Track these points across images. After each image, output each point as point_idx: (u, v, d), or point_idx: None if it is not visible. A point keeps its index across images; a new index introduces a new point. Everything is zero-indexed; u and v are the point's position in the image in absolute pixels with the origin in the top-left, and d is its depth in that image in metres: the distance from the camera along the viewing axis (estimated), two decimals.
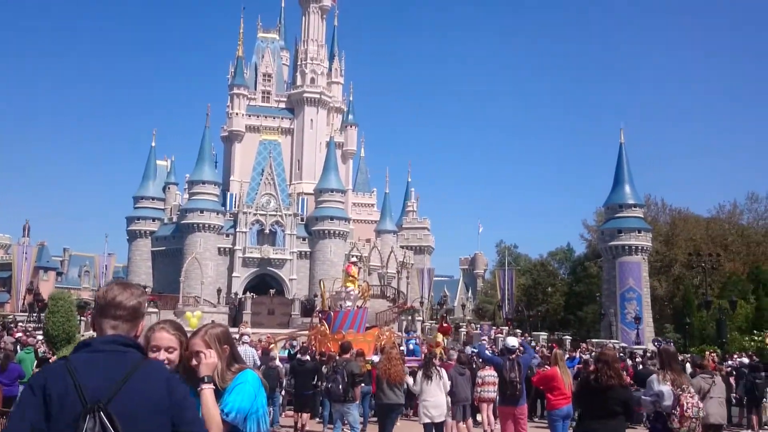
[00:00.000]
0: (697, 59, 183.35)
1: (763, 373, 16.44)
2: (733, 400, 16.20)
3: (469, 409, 12.86)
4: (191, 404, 2.67)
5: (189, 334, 3.26)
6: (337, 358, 12.26)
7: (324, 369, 13.79)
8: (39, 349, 17.99)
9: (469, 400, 12.66)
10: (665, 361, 6.55)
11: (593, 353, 25.45)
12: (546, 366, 12.06)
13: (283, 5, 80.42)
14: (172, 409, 2.50)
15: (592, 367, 17.10)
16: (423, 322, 49.63)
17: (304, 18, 73.94)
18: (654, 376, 6.50)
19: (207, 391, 3.05)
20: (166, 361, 3.01)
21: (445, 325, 24.72)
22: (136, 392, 2.45)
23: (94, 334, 2.79)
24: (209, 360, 3.13)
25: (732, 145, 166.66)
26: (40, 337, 22.17)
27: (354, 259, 25.14)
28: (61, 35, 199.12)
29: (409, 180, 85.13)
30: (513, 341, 11.57)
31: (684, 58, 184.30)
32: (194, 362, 3.13)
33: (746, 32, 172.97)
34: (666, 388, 6.18)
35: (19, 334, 22.04)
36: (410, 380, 11.37)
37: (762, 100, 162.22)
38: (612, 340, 42.45)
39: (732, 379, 17.16)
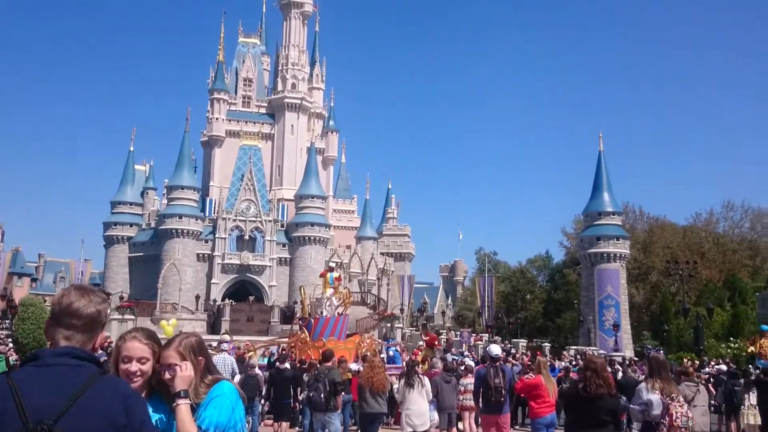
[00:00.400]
0: (676, 67, 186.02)
1: (741, 380, 16.52)
2: (712, 408, 16.25)
3: (455, 417, 12.73)
4: (151, 427, 2.44)
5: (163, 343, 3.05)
6: (319, 366, 12.09)
7: (305, 377, 13.60)
8: (10, 357, 17.56)
9: (455, 408, 12.54)
10: (654, 370, 6.47)
11: (571, 361, 25.49)
12: (530, 374, 11.99)
13: (264, 10, 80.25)
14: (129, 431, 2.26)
15: (572, 374, 17.08)
16: (403, 329, 49.54)
17: (285, 23, 73.77)
18: (643, 384, 6.42)
19: (183, 406, 2.84)
20: (138, 372, 2.82)
21: (426, 338, 23.59)
22: (88, 411, 2.20)
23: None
24: (185, 373, 2.92)
25: (709, 154, 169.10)
26: (12, 345, 21.70)
27: (332, 265, 24.74)
28: (41, 36, 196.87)
29: (390, 187, 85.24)
30: (496, 349, 11.51)
31: (663, 66, 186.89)
32: (168, 375, 2.91)
33: (727, 41, 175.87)
34: (655, 397, 6.12)
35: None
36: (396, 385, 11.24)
37: (739, 110, 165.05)
38: (590, 347, 42.65)
39: (710, 386, 17.23)
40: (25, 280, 77.93)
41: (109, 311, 2.50)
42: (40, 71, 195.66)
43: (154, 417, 2.82)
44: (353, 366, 15.68)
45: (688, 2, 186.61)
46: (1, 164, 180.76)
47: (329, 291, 21.43)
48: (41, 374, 2.25)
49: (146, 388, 2.90)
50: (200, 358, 3.03)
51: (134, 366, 2.82)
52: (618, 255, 54.51)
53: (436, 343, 20.24)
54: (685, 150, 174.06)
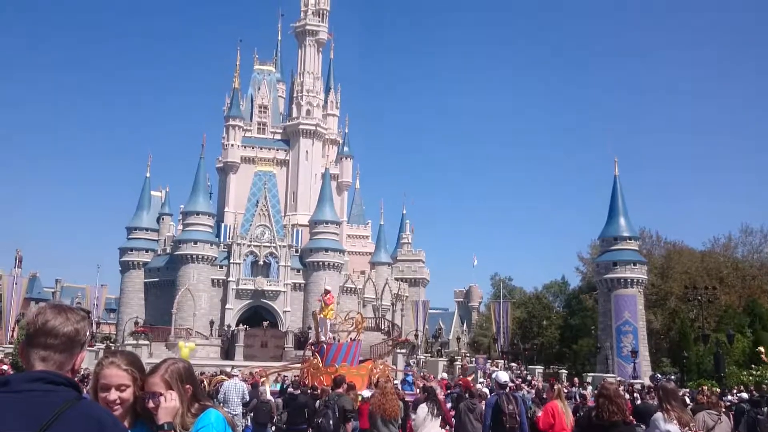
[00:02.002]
0: (693, 91, 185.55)
1: (765, 409, 16.05)
2: None
3: None
4: None
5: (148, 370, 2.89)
6: (330, 392, 11.93)
7: (317, 404, 13.43)
8: None
9: None
10: (664, 399, 6.22)
11: (587, 387, 25.03)
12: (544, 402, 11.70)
13: (279, 38, 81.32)
14: None
15: (590, 402, 16.70)
16: (418, 355, 49.14)
17: (300, 51, 74.65)
18: (659, 414, 6.20)
19: None
20: (117, 401, 2.66)
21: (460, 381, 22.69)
22: None
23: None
24: (169, 404, 2.75)
25: (726, 178, 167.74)
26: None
27: (328, 288, 24.46)
28: (57, 62, 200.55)
29: (404, 212, 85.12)
30: (504, 376, 11.26)
31: (680, 90, 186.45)
32: (152, 404, 2.75)
33: (745, 64, 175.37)
34: (674, 428, 5.91)
35: (5, 367, 21.63)
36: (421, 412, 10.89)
37: (757, 133, 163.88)
38: (608, 374, 41.97)
39: (731, 415, 16.75)
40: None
41: (88, 331, 2.37)
42: (58, 97, 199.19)
43: None
44: (366, 393, 15.44)
45: (704, 22, 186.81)
46: (20, 190, 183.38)
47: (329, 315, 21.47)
48: (11, 402, 2.07)
49: (129, 415, 2.74)
50: (187, 386, 2.87)
51: (113, 395, 2.66)
52: (635, 280, 53.80)
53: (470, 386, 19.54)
54: (702, 174, 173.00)
